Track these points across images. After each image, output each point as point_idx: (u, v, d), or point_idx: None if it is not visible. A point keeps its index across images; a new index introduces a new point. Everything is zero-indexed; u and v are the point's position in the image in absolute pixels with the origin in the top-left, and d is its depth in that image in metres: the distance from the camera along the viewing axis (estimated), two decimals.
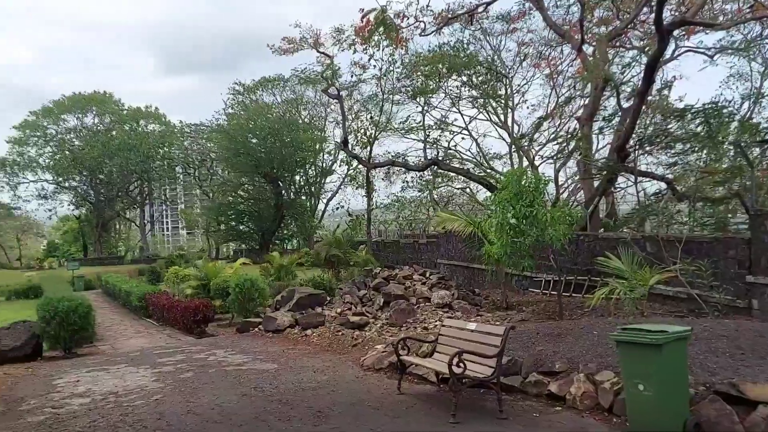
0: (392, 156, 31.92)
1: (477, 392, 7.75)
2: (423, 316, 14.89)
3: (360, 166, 35.88)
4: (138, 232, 79.73)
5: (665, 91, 25.84)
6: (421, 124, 31.60)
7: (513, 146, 29.13)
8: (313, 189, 56.49)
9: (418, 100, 31.32)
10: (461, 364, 6.68)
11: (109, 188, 67.15)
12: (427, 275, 18.02)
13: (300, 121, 52.87)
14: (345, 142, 29.89)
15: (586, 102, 25.04)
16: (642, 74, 20.13)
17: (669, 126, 22.12)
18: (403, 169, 37.70)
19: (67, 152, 63.93)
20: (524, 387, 7.71)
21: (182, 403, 8.27)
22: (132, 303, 23.92)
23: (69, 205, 70.34)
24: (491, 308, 16.26)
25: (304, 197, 57.30)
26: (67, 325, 14.65)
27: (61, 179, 66.69)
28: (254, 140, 49.02)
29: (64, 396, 9.25)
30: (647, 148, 22.49)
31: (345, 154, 38.36)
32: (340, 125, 54.19)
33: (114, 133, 64.03)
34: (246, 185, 54.42)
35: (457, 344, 7.64)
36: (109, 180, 65.76)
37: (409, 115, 32.79)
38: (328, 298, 17.94)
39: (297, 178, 55.67)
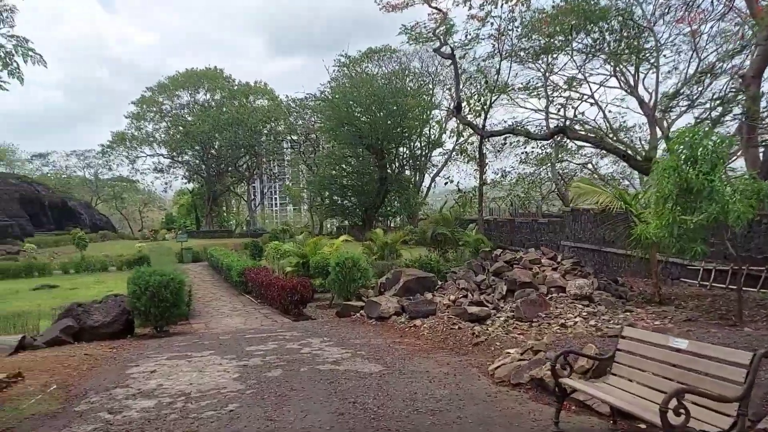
0: (508, 125, 28.83)
1: None
2: (558, 309, 12.23)
3: (471, 137, 33.06)
4: (246, 206, 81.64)
5: None
6: (542, 87, 28.19)
7: (657, 109, 24.99)
8: (418, 162, 54.15)
9: (540, 62, 27.94)
10: (682, 410, 4.12)
11: (219, 162, 68.75)
12: (558, 260, 15.21)
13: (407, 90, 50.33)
14: (458, 107, 27.19)
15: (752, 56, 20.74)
16: None
17: None
18: (519, 142, 34.54)
19: (180, 127, 65.96)
20: None
21: (261, 420, 6.33)
22: (232, 278, 23.00)
23: (182, 178, 73.18)
24: (640, 302, 13.29)
25: (408, 171, 55.16)
26: (158, 301, 13.45)
27: (175, 153, 69.15)
28: (358, 109, 47.25)
29: (130, 394, 7.65)
30: None
31: (455, 124, 35.65)
32: (449, 94, 51.92)
33: (224, 108, 65.12)
34: (349, 158, 52.90)
35: (652, 368, 5.09)
36: (219, 154, 67.23)
37: (529, 81, 29.49)
38: (439, 283, 15.68)
39: (402, 150, 53.54)
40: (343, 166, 52.87)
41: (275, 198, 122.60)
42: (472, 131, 33.42)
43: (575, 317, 11.70)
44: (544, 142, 35.66)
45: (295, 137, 67.68)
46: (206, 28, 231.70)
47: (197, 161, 69.48)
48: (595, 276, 14.46)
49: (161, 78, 68.34)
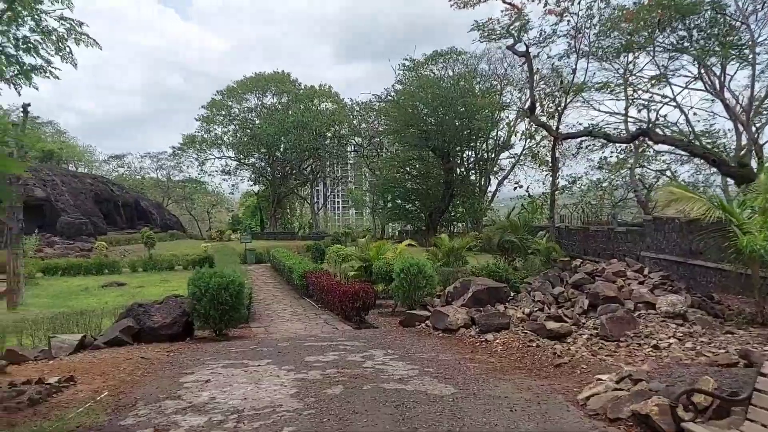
0: (583, 128, 27.22)
1: None
2: (648, 328, 10.97)
3: (543, 140, 31.55)
4: (309, 209, 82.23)
5: None
6: (621, 88, 26.47)
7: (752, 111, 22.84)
8: (485, 166, 52.59)
9: (620, 61, 26.23)
10: None
11: (283, 165, 69.46)
12: (645, 272, 13.84)
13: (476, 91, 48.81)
14: (532, 107, 25.87)
15: None
16: None
17: None
18: (594, 146, 32.77)
19: (247, 130, 67.04)
20: None
21: None
22: (294, 281, 22.59)
23: (248, 180, 74.44)
24: (741, 322, 11.82)
25: (474, 175, 53.70)
26: (217, 303, 13.03)
27: (241, 156, 70.40)
28: (424, 111, 46.30)
29: (180, 408, 7.07)
30: None
31: (525, 126, 34.18)
32: (518, 96, 50.29)
33: (290, 111, 65.72)
34: (414, 160, 51.90)
35: None
36: (284, 157, 67.90)
37: (606, 81, 27.79)
38: (512, 294, 14.60)
39: (469, 153, 52.15)
40: (408, 169, 51.91)
41: (338, 201, 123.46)
42: (543, 134, 31.95)
43: (669, 338, 10.44)
44: (620, 147, 33.73)
45: (358, 140, 67.52)
46: (275, 35, 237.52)
47: (263, 164, 70.48)
48: (687, 291, 13.04)
49: (230, 82, 69.78)
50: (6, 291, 21.35)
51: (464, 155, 51.85)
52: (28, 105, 22.23)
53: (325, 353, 10.59)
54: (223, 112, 68.15)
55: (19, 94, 6.42)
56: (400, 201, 52.86)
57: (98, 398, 7.72)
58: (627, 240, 23.85)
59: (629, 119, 31.45)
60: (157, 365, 10.13)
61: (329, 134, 67.27)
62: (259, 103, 68.88)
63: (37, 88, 6.87)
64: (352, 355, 10.41)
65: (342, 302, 15.88)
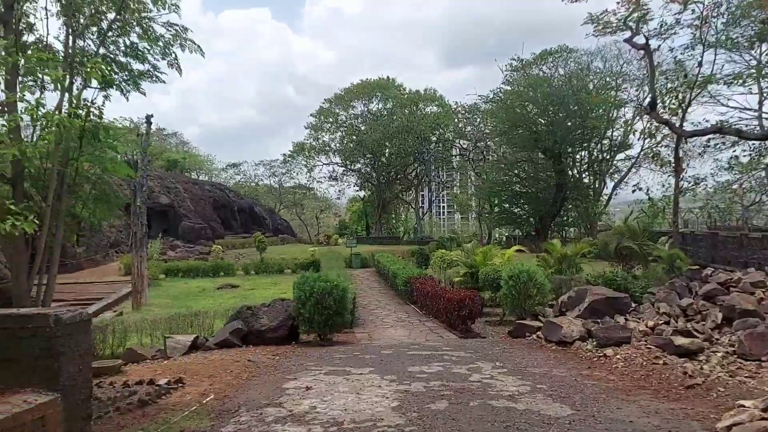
0: (711, 125, 24.81)
1: None
2: None
3: (664, 139, 29.21)
4: (414, 214, 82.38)
5: None
6: (754, 79, 23.87)
7: None
8: (599, 168, 49.74)
9: (752, 53, 23.72)
10: None
11: (388, 170, 70.15)
12: None
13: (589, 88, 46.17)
14: (653, 104, 23.92)
15: None
16: None
17: None
18: (722, 145, 29.90)
19: (353, 136, 68.43)
20: None
21: None
22: (398, 286, 22.37)
23: (354, 186, 76.00)
24: None
25: (587, 178, 51.00)
26: (321, 308, 13.00)
27: (348, 162, 71.95)
28: (534, 111, 44.61)
29: (280, 417, 6.91)
30: None
31: (645, 124, 31.77)
32: (636, 94, 47.18)
33: (395, 116, 66.27)
34: (523, 163, 50.13)
35: None
36: (389, 162, 68.54)
37: (738, 73, 25.18)
38: (633, 305, 13.39)
39: (582, 154, 49.58)
40: (516, 171, 50.19)
41: (442, 206, 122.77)
42: (665, 133, 29.53)
43: None
44: (753, 145, 30.51)
45: (463, 143, 66.66)
46: (382, 44, 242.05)
47: (368, 169, 71.56)
48: None
49: (338, 90, 71.59)
50: (131, 292, 22.85)
51: (577, 156, 49.38)
52: (151, 116, 23.80)
53: (429, 363, 10.15)
54: (331, 120, 70.04)
55: (127, 100, 6.59)
56: (507, 205, 51.25)
57: (204, 401, 7.77)
58: (763, 247, 21.44)
59: (764, 115, 28.33)
60: (262, 369, 10.18)
61: (434, 138, 66.99)
62: (365, 109, 70.07)
63: (144, 93, 7.08)
64: (457, 366, 9.88)
65: (447, 310, 15.37)
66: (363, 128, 68.29)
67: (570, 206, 47.76)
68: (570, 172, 48.54)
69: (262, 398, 7.84)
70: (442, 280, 21.19)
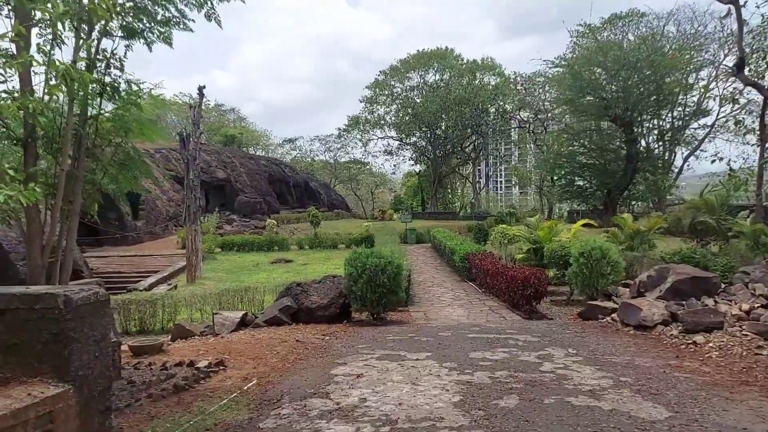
0: None
1: None
2: None
3: (747, 105, 26.64)
4: (471, 188, 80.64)
5: None
6: None
7: None
8: (674, 137, 46.43)
9: None
10: None
11: (445, 143, 68.53)
12: None
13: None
14: (740, 64, 21.60)
15: None
16: None
17: None
18: None
19: (409, 109, 67.00)
20: None
21: None
22: (455, 262, 21.34)
23: (409, 160, 74.78)
24: None
25: (658, 148, 47.83)
26: (374, 285, 12.17)
27: (403, 135, 70.67)
28: (604, 76, 41.90)
29: (326, 410, 6.09)
30: None
31: (723, 89, 29.09)
32: (714, 57, 43.72)
33: (451, 88, 64.39)
34: (589, 132, 47.25)
35: None
36: (446, 135, 66.90)
37: None
38: (722, 286, 11.92)
39: (654, 122, 46.41)
40: (582, 141, 47.38)
41: (499, 180, 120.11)
42: (747, 98, 26.98)
43: None
44: None
45: (523, 115, 64.15)
46: (439, 16, 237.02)
47: (424, 143, 70.18)
48: None
49: (393, 61, 70.10)
50: (186, 266, 22.76)
51: (648, 125, 46.20)
52: (203, 87, 23.44)
53: (493, 349, 9.15)
54: (386, 92, 68.77)
55: (150, 50, 5.86)
56: (572, 177, 48.68)
57: (245, 387, 7.07)
58: None
59: None
60: (310, 350, 9.46)
61: (492, 109, 64.76)
62: (421, 80, 68.40)
63: (170, 44, 6.20)
64: (525, 353, 8.84)
65: (510, 288, 14.27)
66: (419, 100, 66.70)
67: (640, 179, 44.81)
68: (642, 142, 45.54)
69: (308, 386, 7.06)
70: (502, 257, 20.02)
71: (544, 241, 17.98)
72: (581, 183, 48.21)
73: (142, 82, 6.07)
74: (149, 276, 23.40)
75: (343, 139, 77.25)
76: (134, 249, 31.77)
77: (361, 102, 70.52)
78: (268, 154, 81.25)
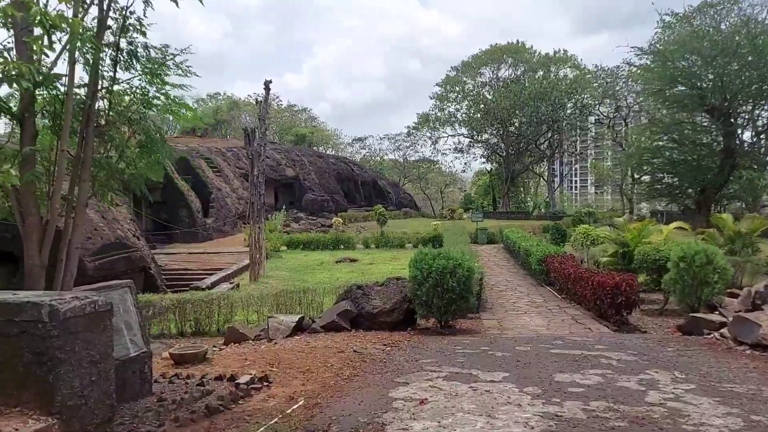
0: None
1: None
2: None
3: None
4: (545, 187, 77.70)
5: None
6: None
7: None
8: None
9: None
10: None
11: (518, 141, 66.20)
12: None
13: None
14: None
15: None
16: None
17: None
18: None
19: (481, 105, 65.15)
20: None
21: None
22: (531, 265, 19.75)
23: (481, 158, 72.84)
24: None
25: (758, 142, 43.46)
26: (441, 290, 10.96)
27: (474, 132, 68.84)
28: (698, 63, 38.48)
29: None
30: None
31: None
32: None
33: (525, 82, 62.00)
34: (681, 124, 43.52)
35: None
36: (519, 132, 64.59)
37: None
38: None
39: (756, 113, 42.16)
40: (673, 135, 43.58)
41: (574, 179, 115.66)
42: None
43: None
44: None
45: (603, 110, 60.79)
46: (509, 14, 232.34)
47: (496, 140, 68.11)
48: None
49: (464, 57, 68.38)
50: (250, 264, 22.29)
51: (752, 115, 41.95)
52: (270, 82, 22.90)
53: (582, 369, 7.73)
54: (457, 88, 67.21)
55: (177, 6, 5.01)
56: (661, 174, 45.05)
57: (288, 411, 6.04)
58: None
59: None
60: (368, 363, 8.36)
61: (569, 104, 61.78)
62: (493, 76, 66.34)
63: (177, 4, 5.17)
64: (623, 376, 7.38)
65: (596, 296, 12.68)
66: (490, 96, 64.65)
67: (739, 176, 40.48)
68: (741, 135, 41.45)
69: (362, 412, 5.95)
70: (584, 260, 18.28)
71: (633, 243, 16.16)
72: (670, 181, 44.59)
73: (170, 50, 5.19)
74: (213, 274, 23.11)
75: (412, 137, 76.41)
76: (203, 246, 31.89)
77: (431, 99, 69.39)
78: (337, 153, 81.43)
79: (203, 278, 22.41)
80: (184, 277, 23.20)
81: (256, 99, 23.35)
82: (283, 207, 44.91)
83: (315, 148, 74.93)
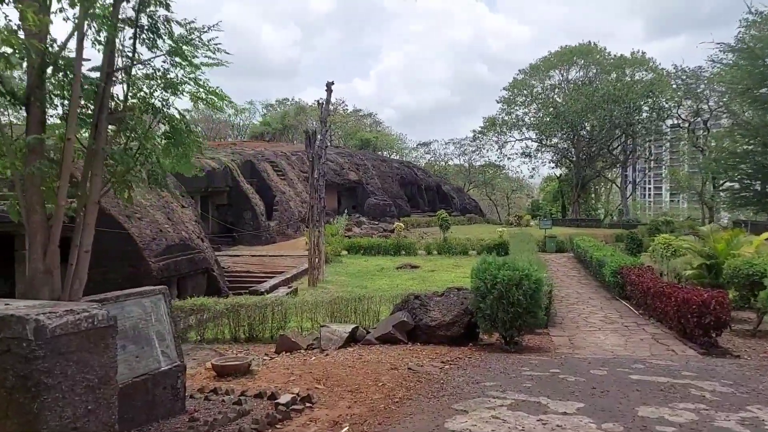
0: None
1: None
2: None
3: None
4: (617, 194, 74.31)
5: None
6: None
7: None
8: None
9: None
10: None
11: (589, 145, 63.54)
12: None
13: None
14: None
15: None
16: None
17: None
18: None
19: (550, 108, 63.03)
20: None
21: None
22: (604, 276, 18.37)
23: (549, 163, 70.48)
24: None
25: None
26: (507, 303, 10.03)
27: (543, 137, 66.68)
28: None
29: None
30: None
31: None
32: None
33: (597, 84, 59.44)
34: None
35: None
36: (591, 136, 61.99)
37: None
38: None
39: None
40: (763, 139, 40.19)
41: (647, 186, 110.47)
42: None
43: None
44: None
45: (682, 113, 57.38)
46: (581, 16, 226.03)
47: (566, 144, 65.71)
48: None
49: (532, 60, 66.45)
50: (309, 268, 21.94)
51: None
52: (332, 83, 22.57)
53: (670, 402, 6.67)
54: (525, 92, 65.39)
55: None
56: (749, 181, 41.81)
57: None
58: None
59: None
60: (423, 384, 7.59)
61: (646, 107, 58.71)
62: (563, 78, 64.01)
63: None
64: (720, 413, 6.28)
65: (680, 313, 11.38)
66: (560, 99, 62.41)
67: None
68: None
69: None
70: (664, 273, 16.79)
71: (721, 255, 14.62)
72: (759, 188, 41.25)
73: (198, 25, 4.61)
74: (273, 277, 22.92)
75: (478, 141, 75.01)
76: (266, 249, 31.98)
77: (498, 103, 67.76)
78: (402, 158, 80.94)
79: (263, 281, 22.25)
80: (246, 280, 23.15)
81: (319, 102, 23.02)
82: (346, 211, 44.72)
83: (379, 152, 74.75)
